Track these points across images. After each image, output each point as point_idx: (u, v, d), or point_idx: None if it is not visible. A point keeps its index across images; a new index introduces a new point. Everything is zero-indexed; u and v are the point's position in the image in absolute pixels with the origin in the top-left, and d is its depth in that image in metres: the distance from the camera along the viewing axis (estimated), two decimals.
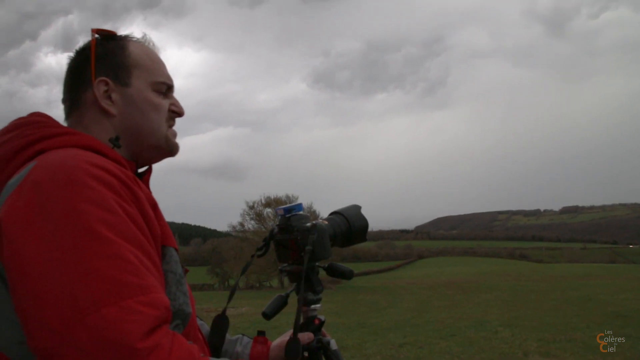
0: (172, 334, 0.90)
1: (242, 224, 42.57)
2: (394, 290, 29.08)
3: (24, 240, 0.87)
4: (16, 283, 0.87)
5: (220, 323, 1.40)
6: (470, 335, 11.18)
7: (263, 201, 41.07)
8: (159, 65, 1.28)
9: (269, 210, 41.07)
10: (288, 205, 1.38)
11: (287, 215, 1.38)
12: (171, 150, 1.28)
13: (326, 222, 1.43)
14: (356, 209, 1.53)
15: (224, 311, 1.41)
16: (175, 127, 1.31)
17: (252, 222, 42.06)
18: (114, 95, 1.19)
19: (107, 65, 1.20)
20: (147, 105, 1.22)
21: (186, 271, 1.16)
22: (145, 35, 1.31)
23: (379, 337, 11.47)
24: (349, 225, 1.48)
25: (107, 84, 1.19)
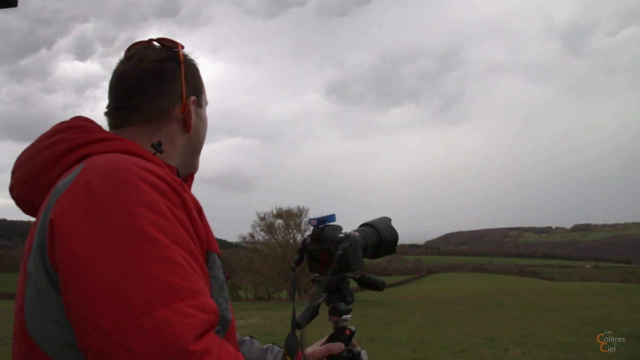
0: (220, 339, 0.91)
1: (252, 235, 42.60)
2: (403, 305, 28.86)
3: (76, 241, 0.88)
4: (68, 284, 0.87)
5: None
6: (481, 352, 11.07)
7: (274, 212, 41.08)
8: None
9: (279, 221, 41.05)
10: (321, 216, 1.39)
11: (321, 226, 1.39)
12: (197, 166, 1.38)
13: (357, 234, 1.45)
14: (387, 220, 1.54)
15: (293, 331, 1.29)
16: None
17: (262, 233, 42.06)
18: (193, 114, 1.27)
19: (192, 85, 1.28)
20: (206, 125, 1.35)
21: (227, 277, 1.16)
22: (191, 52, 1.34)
23: (389, 352, 11.39)
24: (380, 237, 1.49)
25: (194, 102, 1.27)
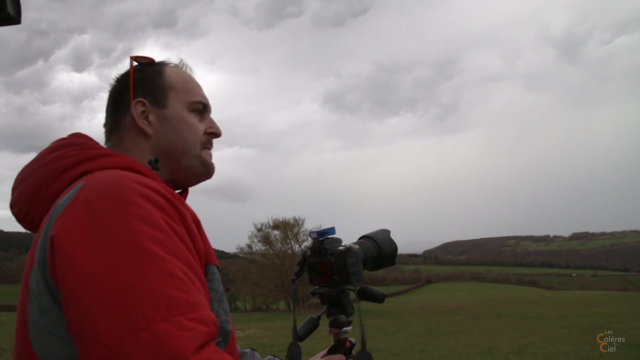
0: (220, 351, 0.92)
1: (249, 246, 42.38)
2: (401, 315, 28.78)
3: (77, 258, 0.89)
4: (69, 299, 0.89)
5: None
6: None
7: (270, 223, 40.92)
8: (195, 87, 1.32)
9: (276, 232, 40.89)
10: (321, 228, 1.40)
11: (321, 239, 1.40)
12: (207, 171, 1.30)
13: (357, 246, 1.45)
14: (386, 233, 1.54)
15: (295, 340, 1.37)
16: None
17: (260, 244, 41.84)
18: (151, 117, 1.24)
19: (144, 88, 1.25)
20: (182, 125, 1.26)
21: (227, 289, 1.18)
22: (182, 60, 1.36)
23: None
24: (380, 250, 1.49)
25: (144, 104, 1.24)
